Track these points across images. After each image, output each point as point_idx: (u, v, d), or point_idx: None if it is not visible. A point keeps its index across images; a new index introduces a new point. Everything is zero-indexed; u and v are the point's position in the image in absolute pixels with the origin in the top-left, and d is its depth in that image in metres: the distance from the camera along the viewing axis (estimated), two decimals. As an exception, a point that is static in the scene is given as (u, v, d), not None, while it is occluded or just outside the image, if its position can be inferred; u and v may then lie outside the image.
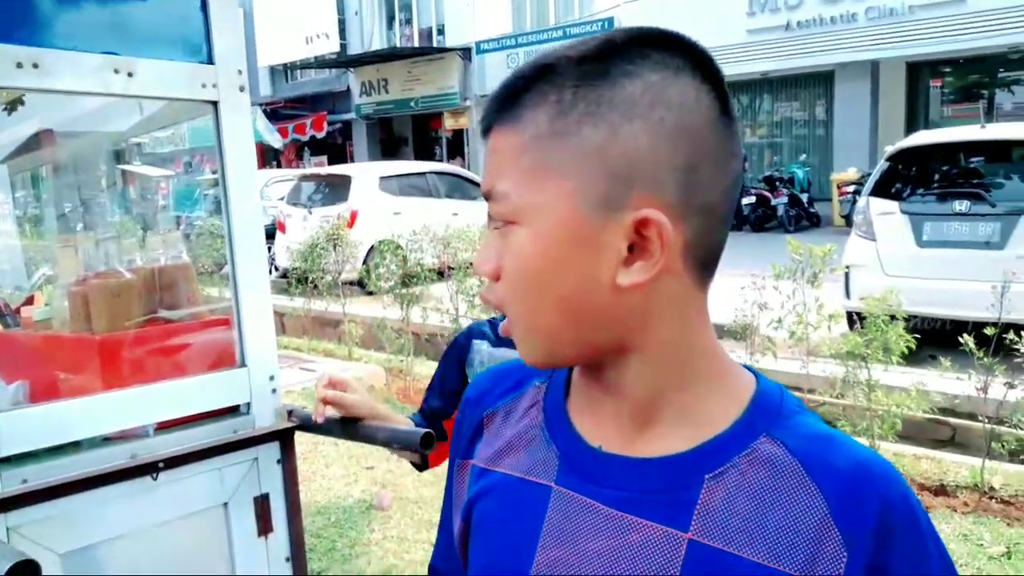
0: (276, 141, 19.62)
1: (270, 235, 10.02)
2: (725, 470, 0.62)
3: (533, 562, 0.67)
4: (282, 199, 11.63)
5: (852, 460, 0.61)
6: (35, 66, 1.31)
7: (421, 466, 1.63)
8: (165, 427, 1.49)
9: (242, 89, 1.58)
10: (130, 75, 1.42)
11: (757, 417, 0.64)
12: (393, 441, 1.44)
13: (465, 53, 19.50)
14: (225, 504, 1.54)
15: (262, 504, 1.58)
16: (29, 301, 1.72)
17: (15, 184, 3.02)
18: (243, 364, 1.58)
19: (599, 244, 0.61)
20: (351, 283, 8.35)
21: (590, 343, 0.65)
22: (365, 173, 11.20)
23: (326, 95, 22.33)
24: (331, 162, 20.42)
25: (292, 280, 7.54)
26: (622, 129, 0.60)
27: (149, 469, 1.40)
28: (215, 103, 1.54)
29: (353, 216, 9.88)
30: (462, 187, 11.86)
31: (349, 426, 1.49)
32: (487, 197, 0.66)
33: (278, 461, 1.61)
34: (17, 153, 2.57)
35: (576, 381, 0.73)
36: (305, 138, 22.41)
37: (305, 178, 11.78)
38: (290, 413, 1.62)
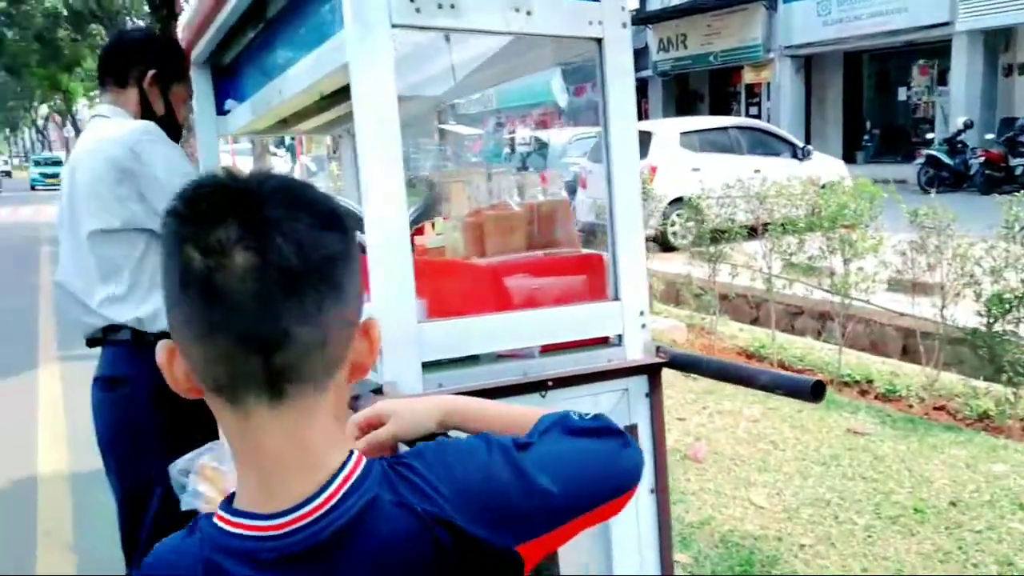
0: (564, 100, 20.12)
1: (571, 191, 10.35)
2: None
3: None
4: (584, 155, 11.92)
5: None
6: (452, 6, 1.42)
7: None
8: (546, 350, 1.58)
9: (624, 25, 1.58)
10: (529, 13, 1.49)
11: None
12: (776, 387, 1.38)
13: (771, 3, 18.33)
14: (597, 430, 1.60)
15: (631, 433, 1.61)
16: (418, 232, 1.90)
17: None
18: (616, 298, 1.61)
19: None
20: (650, 239, 8.35)
21: None
22: (666, 129, 11.06)
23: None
24: (626, 120, 20.43)
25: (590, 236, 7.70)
26: None
27: (539, 386, 1.48)
28: (599, 40, 1.56)
29: (652, 172, 9.84)
30: (766, 143, 11.26)
31: (726, 368, 1.45)
32: None
33: (646, 395, 1.64)
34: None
35: None
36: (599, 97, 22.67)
37: (606, 135, 11.93)
38: (658, 349, 1.63)
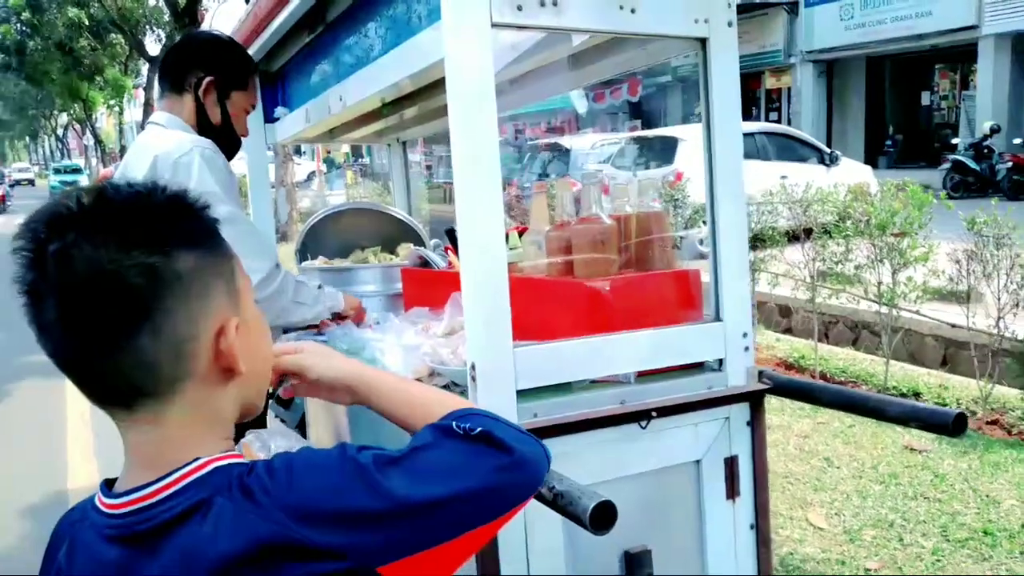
0: (583, 107, 20.02)
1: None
2: None
3: None
4: (604, 162, 11.80)
5: None
6: (555, 4, 1.31)
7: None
8: (643, 375, 1.46)
9: (730, 24, 1.47)
10: (633, 11, 1.38)
11: None
12: (912, 419, 1.26)
13: (792, 7, 18.17)
14: (698, 461, 1.48)
15: (731, 466, 1.50)
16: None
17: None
18: (718, 318, 1.50)
19: None
20: (675, 247, 8.20)
21: None
22: (692, 134, 10.93)
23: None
24: (644, 127, 20.36)
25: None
26: None
27: (641, 416, 1.37)
28: (704, 40, 1.45)
29: (678, 178, 9.70)
30: (792, 148, 11.10)
31: (845, 396, 1.33)
32: None
33: (748, 423, 1.52)
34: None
35: None
36: (619, 102, 22.57)
37: (631, 141, 11.83)
38: (761, 374, 1.52)
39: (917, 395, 4.71)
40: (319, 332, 2.01)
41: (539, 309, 1.51)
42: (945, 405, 4.48)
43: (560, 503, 0.94)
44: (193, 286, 0.76)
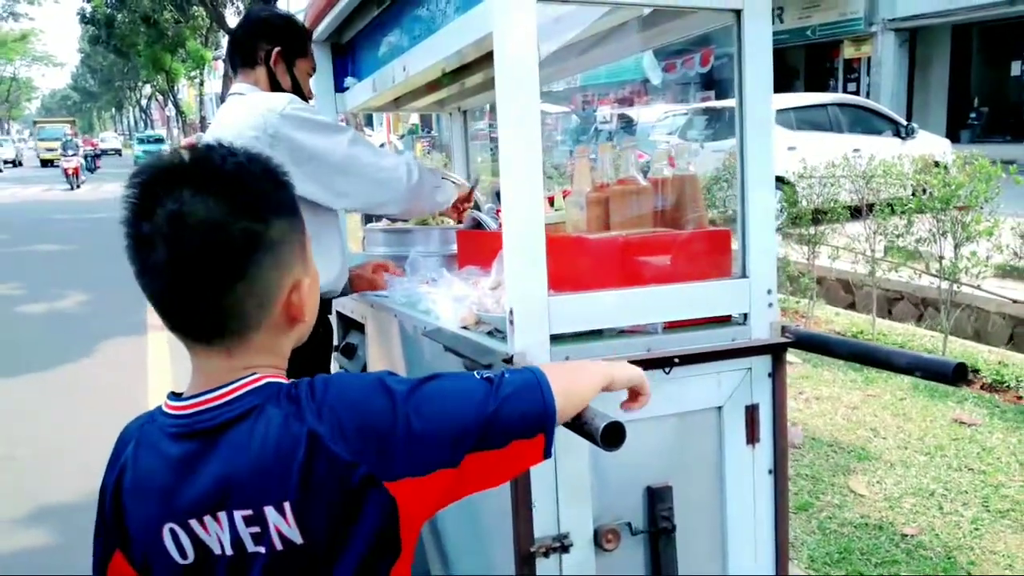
0: (656, 78, 19.72)
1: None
2: None
3: None
4: (671, 133, 11.71)
5: None
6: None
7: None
8: (671, 327, 1.59)
9: (765, -4, 1.56)
10: (668, -16, 1.48)
11: None
12: (916, 368, 1.35)
13: (874, -28, 17.49)
14: (719, 408, 1.60)
15: (752, 413, 1.62)
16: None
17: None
18: (744, 275, 1.60)
19: None
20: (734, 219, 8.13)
21: None
22: (761, 106, 10.74)
23: (715, 29, 21.73)
24: (717, 98, 20.00)
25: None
26: None
27: (664, 363, 1.50)
28: (738, 12, 1.54)
29: (745, 151, 9.58)
30: (867, 121, 10.80)
31: (858, 349, 1.43)
32: None
33: (769, 374, 1.63)
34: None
35: None
36: (691, 72, 22.17)
37: (698, 112, 11.69)
38: (784, 329, 1.62)
39: (976, 371, 4.66)
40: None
41: (577, 264, 1.65)
42: (1003, 382, 4.45)
43: (577, 423, 1.08)
44: (281, 249, 0.90)
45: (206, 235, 0.84)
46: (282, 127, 1.92)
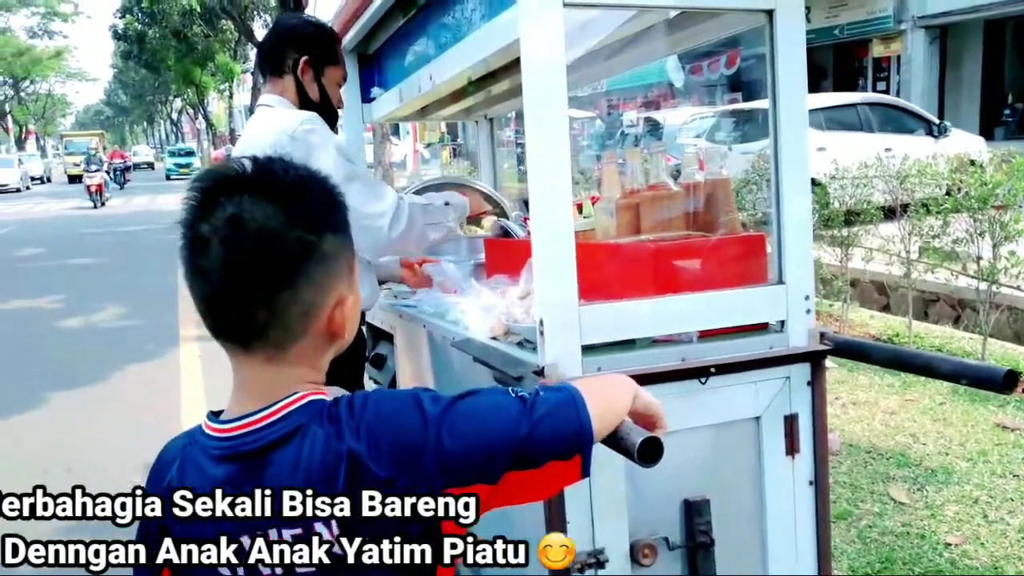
0: (679, 81, 19.58)
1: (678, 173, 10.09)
2: None
3: None
4: (699, 136, 11.62)
5: None
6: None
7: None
8: (705, 335, 1.55)
9: (798, -5, 1.52)
10: (696, -13, 1.45)
11: None
12: (962, 376, 1.30)
13: (903, -30, 17.24)
14: (757, 418, 1.56)
15: (791, 423, 1.57)
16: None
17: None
18: (780, 281, 1.56)
19: None
20: (764, 223, 8.05)
21: None
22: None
23: (742, 32, 21.57)
24: (744, 100, 19.83)
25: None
26: None
27: (700, 373, 1.46)
28: (770, 12, 1.51)
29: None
30: (898, 120, 10.61)
31: (900, 356, 1.38)
32: None
33: (808, 383, 1.58)
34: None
35: None
36: (716, 75, 22.02)
37: (725, 115, 11.59)
38: (822, 336, 1.58)
39: (1018, 375, 4.53)
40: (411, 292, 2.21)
41: (607, 272, 1.62)
42: (1046, 385, 4.32)
43: (613, 439, 1.05)
44: (331, 264, 0.91)
45: (261, 239, 0.85)
46: (290, 149, 1.91)
